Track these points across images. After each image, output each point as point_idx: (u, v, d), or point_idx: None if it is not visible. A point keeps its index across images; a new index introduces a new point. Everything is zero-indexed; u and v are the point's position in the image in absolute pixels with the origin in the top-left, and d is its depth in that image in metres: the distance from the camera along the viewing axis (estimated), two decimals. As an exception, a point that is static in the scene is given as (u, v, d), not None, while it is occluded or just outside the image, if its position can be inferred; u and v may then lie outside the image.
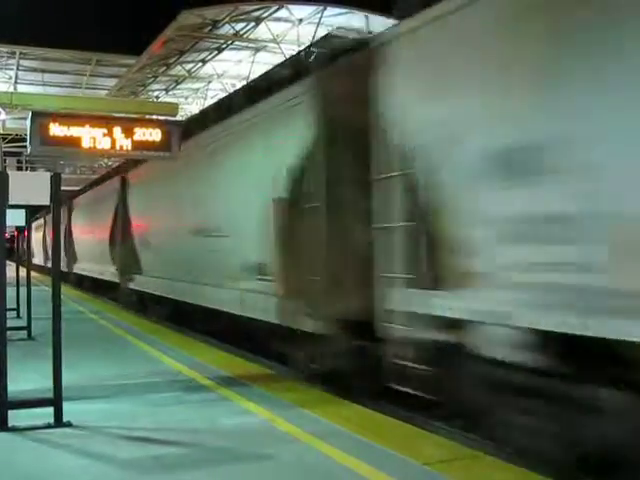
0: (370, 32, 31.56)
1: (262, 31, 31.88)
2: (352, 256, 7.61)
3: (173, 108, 28.81)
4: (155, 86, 40.05)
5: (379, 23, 32.37)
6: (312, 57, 9.11)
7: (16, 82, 37.67)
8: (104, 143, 6.35)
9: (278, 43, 32.14)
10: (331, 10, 30.47)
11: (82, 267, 26.73)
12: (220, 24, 30.83)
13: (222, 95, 36.41)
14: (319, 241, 7.86)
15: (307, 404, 6.88)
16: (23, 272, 14.25)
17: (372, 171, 7.20)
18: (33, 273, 16.32)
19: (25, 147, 6.99)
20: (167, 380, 8.30)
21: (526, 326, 5.29)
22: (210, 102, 38.66)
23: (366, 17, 31.86)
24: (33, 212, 26.90)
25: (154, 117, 24.04)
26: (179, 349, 10.56)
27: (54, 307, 6.26)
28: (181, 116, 34.77)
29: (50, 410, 6.17)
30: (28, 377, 7.83)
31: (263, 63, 35.26)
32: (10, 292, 7.63)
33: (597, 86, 4.69)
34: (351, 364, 7.73)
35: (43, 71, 37.38)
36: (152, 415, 6.68)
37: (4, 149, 38.52)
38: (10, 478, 4.95)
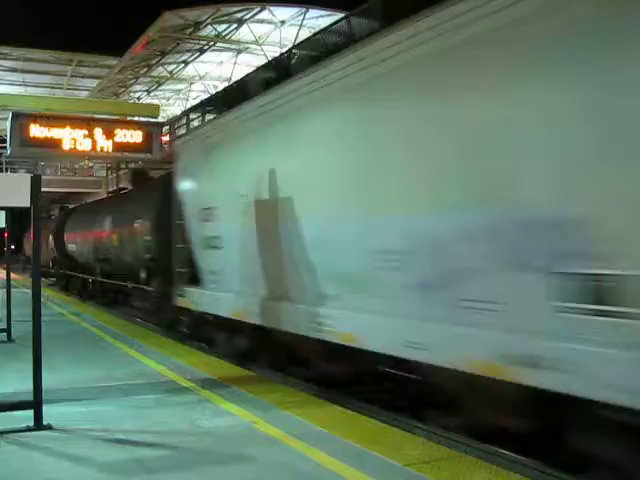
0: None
1: (244, 33, 31.87)
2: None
3: (154, 109, 28.70)
4: (137, 87, 39.92)
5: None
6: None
7: (-4, 82, 37.41)
8: (85, 144, 6.35)
9: (260, 45, 32.14)
10: (313, 12, 30.52)
11: None
12: (202, 25, 30.80)
13: (204, 96, 36.37)
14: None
15: (289, 406, 6.89)
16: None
17: (173, 219, 12.24)
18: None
19: (5, 148, 6.96)
20: (148, 382, 8.27)
21: (220, 314, 10.47)
22: (192, 103, 38.59)
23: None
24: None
25: (135, 118, 23.92)
26: (160, 351, 10.54)
27: (34, 309, 6.22)
28: (162, 117, 34.67)
29: (30, 413, 6.13)
30: (7, 380, 7.78)
31: (245, 65, 35.30)
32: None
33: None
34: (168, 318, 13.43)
35: (23, 71, 37.11)
36: (133, 417, 6.65)
37: (-17, 150, 38.20)
38: (-11, 481, 4.92)
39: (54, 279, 31.84)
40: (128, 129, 6.55)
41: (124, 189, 22.12)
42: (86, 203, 29.39)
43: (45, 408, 6.20)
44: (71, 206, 34.53)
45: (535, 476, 5.57)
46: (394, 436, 5.96)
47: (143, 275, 15.23)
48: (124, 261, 17.37)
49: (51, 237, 28.02)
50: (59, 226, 27.08)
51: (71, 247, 25.06)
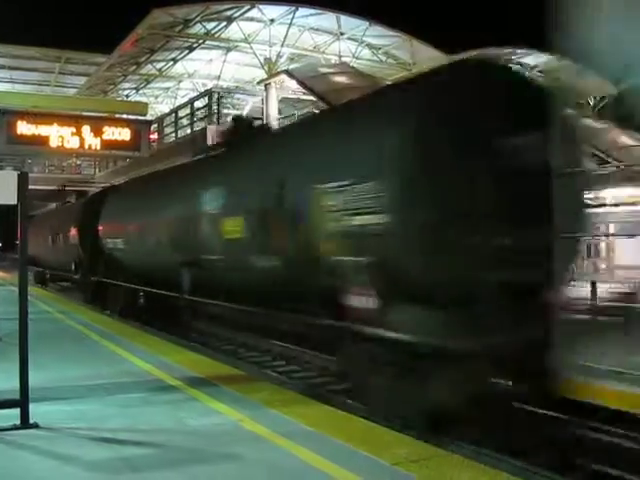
0: (342, 33, 31.47)
1: (233, 31, 31.82)
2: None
3: (143, 107, 28.52)
4: (125, 85, 39.80)
5: (351, 24, 32.60)
6: None
7: (-17, 79, 37.25)
8: (72, 142, 6.32)
9: (249, 43, 32.08)
10: (303, 10, 30.52)
11: None
12: (191, 23, 30.73)
13: (192, 94, 36.30)
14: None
15: (276, 404, 6.89)
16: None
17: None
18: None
19: (-8, 145, 6.92)
20: (135, 381, 8.25)
21: None
22: (181, 101, 38.53)
23: (337, 18, 32.03)
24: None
25: (124, 116, 23.84)
26: (147, 349, 10.51)
27: (21, 307, 6.20)
28: (151, 115, 34.60)
29: (16, 411, 6.11)
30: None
31: (235, 63, 35.27)
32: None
33: None
34: None
35: (11, 68, 36.96)
36: (120, 416, 6.64)
37: (-30, 147, 38.00)
38: (-25, 480, 4.90)
39: (66, 283, 27.51)
40: (116, 127, 6.52)
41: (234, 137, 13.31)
42: (144, 176, 19.94)
43: (31, 407, 6.18)
44: (103, 185, 28.95)
45: (522, 475, 5.60)
46: (382, 435, 5.97)
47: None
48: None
49: (74, 230, 21.63)
50: (88, 215, 20.40)
51: (113, 243, 18.13)
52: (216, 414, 6.63)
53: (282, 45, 31.81)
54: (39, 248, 27.61)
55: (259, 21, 31.30)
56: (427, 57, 32.95)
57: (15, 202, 6.21)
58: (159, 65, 36.49)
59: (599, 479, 6.27)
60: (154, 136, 34.28)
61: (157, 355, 9.98)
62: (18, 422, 6.08)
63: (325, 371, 10.60)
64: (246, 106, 32.54)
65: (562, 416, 7.00)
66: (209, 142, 26.26)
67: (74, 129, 6.29)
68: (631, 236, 16.40)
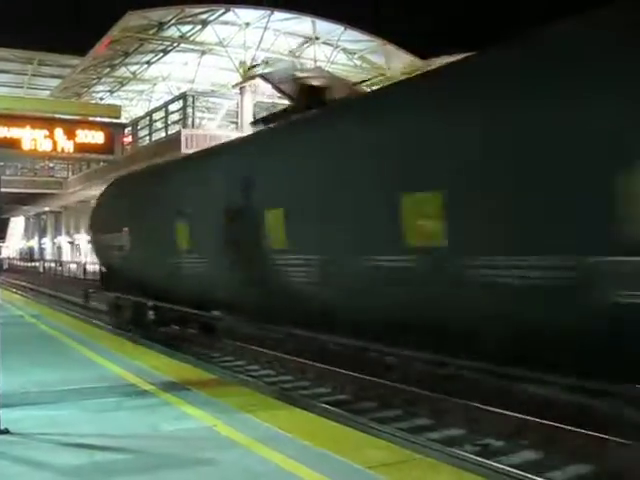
0: (317, 37, 31.57)
1: (209, 34, 31.77)
2: None
3: (116, 110, 28.35)
4: (99, 87, 39.57)
5: (326, 29, 32.66)
6: None
7: (-46, 81, 36.84)
8: (45, 145, 6.26)
9: (224, 46, 32.04)
10: (278, 14, 30.55)
11: None
12: (166, 26, 30.65)
13: (167, 97, 36.15)
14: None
15: (250, 409, 6.86)
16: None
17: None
18: None
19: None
20: (108, 385, 8.18)
21: None
22: (155, 104, 38.34)
23: (313, 22, 32.08)
24: None
25: (98, 119, 23.67)
26: (121, 354, 10.43)
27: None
28: (126, 118, 34.40)
29: (-13, 417, 6.04)
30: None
31: (210, 66, 35.19)
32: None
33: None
34: None
35: (-17, 70, 36.59)
36: (93, 421, 6.57)
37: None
38: (-56, 487, 4.83)
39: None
40: (90, 130, 6.48)
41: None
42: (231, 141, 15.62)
43: (1, 412, 6.09)
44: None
45: (496, 477, 5.63)
46: (356, 439, 5.97)
47: None
48: None
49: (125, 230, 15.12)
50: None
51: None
52: (190, 419, 6.59)
53: (257, 49, 31.79)
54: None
55: (234, 24, 31.28)
56: (401, 62, 33.15)
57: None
58: (133, 68, 36.32)
59: None
60: (128, 139, 34.11)
61: (130, 359, 9.90)
62: (-12, 428, 6.01)
63: (300, 375, 10.59)
64: (221, 110, 32.44)
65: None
66: (184, 145, 26.03)
67: (47, 132, 6.24)
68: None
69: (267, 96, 29.53)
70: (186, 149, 27.02)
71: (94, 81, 37.92)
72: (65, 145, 6.28)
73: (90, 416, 6.77)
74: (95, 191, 29.74)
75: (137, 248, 14.59)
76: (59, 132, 6.29)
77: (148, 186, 15.02)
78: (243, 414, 6.70)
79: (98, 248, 18.12)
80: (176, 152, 26.26)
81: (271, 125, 11.52)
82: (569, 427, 6.71)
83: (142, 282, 14.71)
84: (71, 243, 64.01)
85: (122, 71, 36.51)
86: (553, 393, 6.65)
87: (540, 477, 6.01)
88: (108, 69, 35.90)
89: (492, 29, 44.70)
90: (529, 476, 5.98)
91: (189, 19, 30.57)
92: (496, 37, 7.87)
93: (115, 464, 5.28)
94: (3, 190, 6.57)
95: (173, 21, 30.20)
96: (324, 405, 8.32)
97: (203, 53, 34.09)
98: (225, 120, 34.83)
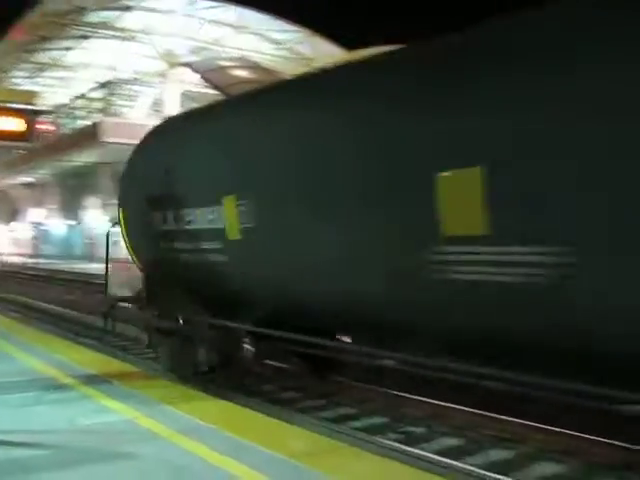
0: (243, 26, 31.33)
1: (132, 21, 31.22)
2: None
3: (31, 96, 27.67)
4: (19, 73, 38.43)
5: (252, 18, 32.47)
6: None
7: None
8: (-44, 131, 6.03)
9: (147, 34, 31.53)
10: (203, 3, 30.27)
11: None
12: (87, 11, 29.96)
13: (90, 85, 35.36)
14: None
15: (171, 401, 6.79)
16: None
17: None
18: None
19: None
20: (26, 379, 7.96)
21: None
22: (76, 92, 37.44)
23: (239, 12, 31.90)
24: None
25: (14, 105, 23.04)
26: (40, 347, 10.17)
27: None
28: (46, 106, 33.50)
29: None
30: None
31: (133, 54, 34.58)
32: None
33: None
34: None
35: None
36: (10, 416, 6.39)
37: None
38: None
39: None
40: (4, 116, 6.27)
41: None
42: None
43: None
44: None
45: (415, 464, 5.73)
46: (279, 429, 5.99)
47: None
48: None
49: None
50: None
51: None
52: (110, 412, 6.47)
53: (182, 37, 31.42)
54: None
55: (158, 12, 30.82)
56: (328, 52, 33.24)
57: None
58: (53, 54, 35.40)
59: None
60: (51, 127, 33.25)
61: (50, 353, 9.66)
62: None
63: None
64: (144, 98, 31.93)
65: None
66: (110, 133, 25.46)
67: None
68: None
69: (194, 85, 29.24)
70: (106, 138, 26.52)
71: (12, 66, 36.80)
72: (-22, 131, 6.08)
73: (7, 411, 6.57)
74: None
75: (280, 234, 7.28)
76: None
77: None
78: (165, 406, 6.62)
79: (143, 235, 10.13)
80: (96, 141, 25.74)
81: None
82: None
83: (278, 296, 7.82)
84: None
85: (41, 57, 35.54)
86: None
87: (458, 462, 6.16)
88: (26, 54, 34.88)
89: (421, 20, 45.27)
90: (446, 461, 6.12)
91: (112, 4, 29.94)
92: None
93: (34, 459, 5.13)
94: None
95: (94, 6, 29.53)
96: (245, 396, 8.30)
97: (124, 39, 33.42)
98: (152, 109, 34.35)
